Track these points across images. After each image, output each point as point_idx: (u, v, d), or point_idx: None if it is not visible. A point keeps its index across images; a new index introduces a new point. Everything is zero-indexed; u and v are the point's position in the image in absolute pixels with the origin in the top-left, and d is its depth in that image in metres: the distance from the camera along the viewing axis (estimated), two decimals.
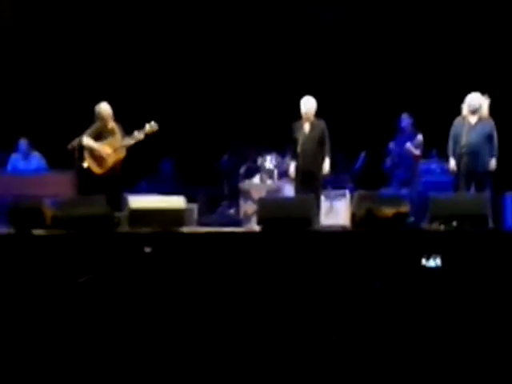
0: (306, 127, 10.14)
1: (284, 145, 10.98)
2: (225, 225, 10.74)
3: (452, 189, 10.14)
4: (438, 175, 11.72)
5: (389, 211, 8.29)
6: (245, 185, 11.69)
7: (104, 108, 9.86)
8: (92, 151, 9.79)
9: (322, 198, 10.60)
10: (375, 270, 7.40)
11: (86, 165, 9.78)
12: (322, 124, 10.15)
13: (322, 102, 10.23)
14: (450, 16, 12.70)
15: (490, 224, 8.57)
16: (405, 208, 8.40)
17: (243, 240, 8.41)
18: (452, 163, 9.85)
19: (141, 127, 9.89)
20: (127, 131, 9.93)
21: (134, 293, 7.15)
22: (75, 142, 9.71)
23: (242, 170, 12.03)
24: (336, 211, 11.14)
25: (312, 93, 10.20)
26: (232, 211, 12.00)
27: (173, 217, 8.70)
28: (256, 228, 9.06)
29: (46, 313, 6.79)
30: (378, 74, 12.89)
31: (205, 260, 7.80)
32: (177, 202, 8.98)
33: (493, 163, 9.74)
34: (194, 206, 10.92)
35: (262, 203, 9.16)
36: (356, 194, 9.33)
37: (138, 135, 9.85)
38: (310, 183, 10.08)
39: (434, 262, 7.52)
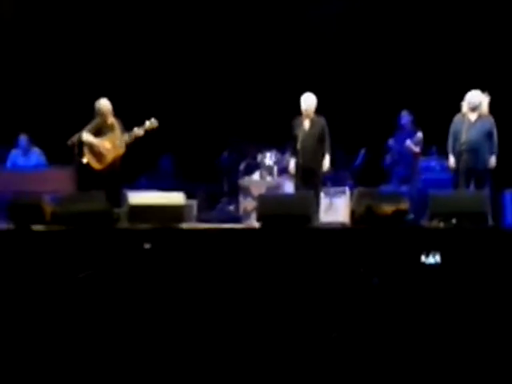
0: (306, 124, 10.14)
1: (284, 141, 10.98)
2: (224, 221, 10.73)
3: (451, 186, 10.14)
4: (438, 172, 11.72)
5: (388, 208, 8.28)
6: (244, 181, 11.69)
7: (104, 104, 9.86)
8: (92, 147, 9.79)
9: (322, 194, 10.60)
10: (374, 267, 7.40)
11: (85, 160, 9.77)
12: (322, 121, 10.14)
13: (322, 98, 10.23)
14: (451, 13, 12.69)
15: (490, 221, 8.56)
16: (404, 205, 8.40)
17: (243, 236, 8.41)
18: (451, 160, 9.85)
19: (141, 123, 9.89)
20: (127, 127, 9.92)
21: (134, 289, 7.15)
22: (75, 138, 9.70)
23: (242, 166, 12.03)
24: (335, 208, 11.15)
25: (312, 89, 10.20)
26: (231, 208, 12.01)
27: (172, 213, 8.70)
28: (255, 225, 9.06)
29: (46, 308, 6.79)
30: (378, 71, 12.88)
31: (204, 256, 7.80)
32: (176, 198, 8.98)
33: (492, 161, 9.75)
34: (194, 203, 10.93)
35: (262, 200, 9.16)
36: (356, 191, 9.32)
37: (138, 131, 9.85)
38: (310, 180, 10.07)
39: (433, 259, 7.52)
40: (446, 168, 10.54)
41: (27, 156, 11.84)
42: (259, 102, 12.92)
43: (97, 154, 9.81)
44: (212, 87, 13.19)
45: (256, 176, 11.75)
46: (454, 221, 8.29)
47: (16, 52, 13.10)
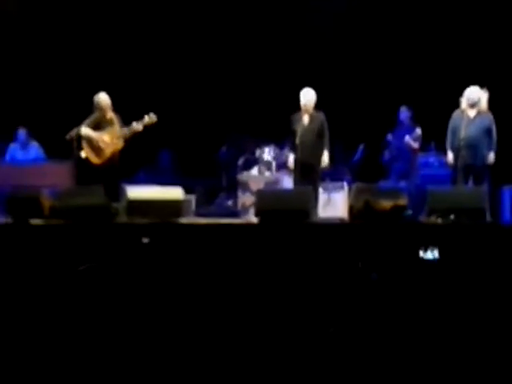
0: (305, 119, 10.13)
1: (282, 137, 10.98)
2: (223, 216, 10.74)
3: (450, 182, 10.14)
4: (436, 168, 11.72)
5: (387, 204, 8.29)
6: (243, 176, 11.69)
7: (103, 98, 9.85)
8: (90, 141, 9.78)
9: (320, 190, 10.60)
10: (373, 262, 7.40)
11: (84, 155, 9.77)
12: (321, 116, 10.13)
13: (321, 93, 10.22)
14: (450, 9, 12.69)
15: (488, 218, 8.58)
16: (403, 201, 8.40)
17: (241, 231, 8.41)
18: (450, 156, 9.85)
19: (139, 118, 9.88)
20: (126, 122, 9.92)
21: (132, 283, 7.15)
22: (73, 132, 9.69)
23: (241, 161, 12.02)
24: (334, 203, 11.15)
25: (311, 84, 10.19)
26: (230, 203, 12.01)
27: (171, 208, 8.70)
28: (254, 220, 9.07)
29: (44, 302, 6.79)
30: (377, 67, 12.87)
31: (202, 251, 7.80)
32: (175, 193, 8.98)
33: (491, 157, 9.74)
34: (192, 197, 10.93)
35: (260, 195, 9.16)
36: (354, 186, 9.33)
37: (137, 126, 9.84)
38: (309, 175, 10.07)
39: (431, 255, 7.53)
40: (444, 164, 10.55)
41: (26, 150, 11.83)
42: (258, 96, 12.91)
43: (95, 148, 9.81)
44: (211, 82, 13.18)
45: (254, 171, 11.76)
46: (452, 217, 8.31)
47: (15, 46, 13.08)
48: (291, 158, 10.25)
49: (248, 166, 11.90)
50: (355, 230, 8.16)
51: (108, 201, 8.72)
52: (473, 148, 9.68)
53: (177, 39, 13.34)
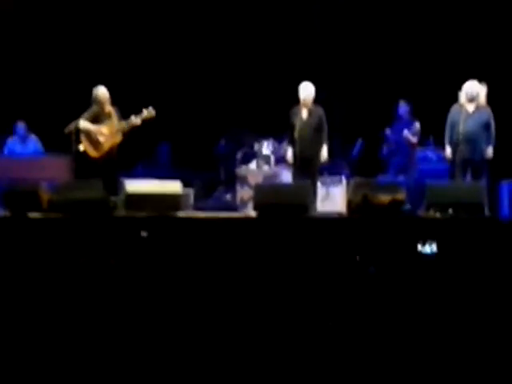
0: (304, 113, 10.13)
1: (281, 131, 10.98)
2: (221, 210, 10.73)
3: (448, 176, 10.14)
4: (435, 163, 11.72)
5: (385, 198, 8.29)
6: (241, 170, 11.69)
7: (101, 92, 9.84)
8: (88, 135, 9.78)
9: (319, 184, 10.60)
10: (371, 256, 7.41)
11: (82, 148, 9.76)
12: (319, 110, 10.13)
13: (320, 87, 10.22)
14: (448, 3, 12.68)
15: (486, 212, 8.58)
16: (401, 195, 8.40)
17: (239, 225, 8.41)
18: (448, 151, 9.85)
19: (138, 112, 9.87)
20: (124, 115, 9.91)
21: (131, 277, 7.16)
22: (72, 126, 9.68)
23: (239, 155, 12.02)
24: (332, 198, 11.15)
25: (310, 78, 10.18)
26: (228, 196, 12.01)
27: (169, 201, 8.70)
28: (252, 214, 9.07)
29: (42, 296, 6.80)
30: (375, 61, 12.86)
31: (201, 245, 7.81)
32: (173, 186, 8.97)
33: (489, 151, 9.75)
34: (191, 191, 10.92)
35: (259, 189, 9.16)
36: (352, 180, 9.32)
37: (135, 120, 9.84)
38: (307, 169, 10.07)
39: (429, 249, 7.54)
40: (442, 158, 10.55)
41: (24, 143, 11.83)
42: (257, 90, 12.90)
43: (94, 141, 9.80)
44: (209, 76, 13.17)
45: (253, 165, 11.75)
46: (450, 211, 8.31)
47: (13, 40, 13.06)
48: (290, 152, 10.25)
49: (246, 159, 11.90)
50: (353, 225, 8.16)
51: (106, 194, 8.71)
52: (471, 142, 9.69)
53: (175, 33, 13.33)
